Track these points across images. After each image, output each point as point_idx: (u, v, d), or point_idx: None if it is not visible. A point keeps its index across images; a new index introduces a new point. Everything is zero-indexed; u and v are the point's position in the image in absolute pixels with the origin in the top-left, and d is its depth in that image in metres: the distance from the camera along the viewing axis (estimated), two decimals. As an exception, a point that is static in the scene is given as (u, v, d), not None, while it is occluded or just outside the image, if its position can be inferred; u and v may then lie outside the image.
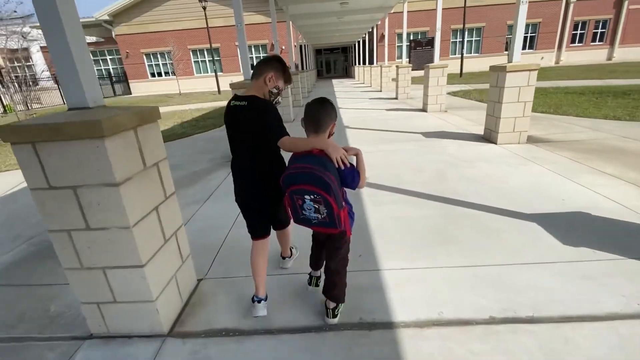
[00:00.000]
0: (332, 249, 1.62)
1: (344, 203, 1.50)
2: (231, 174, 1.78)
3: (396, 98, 11.12)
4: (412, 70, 19.41)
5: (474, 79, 17.79)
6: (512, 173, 3.57)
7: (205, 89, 25.55)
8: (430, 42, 17.97)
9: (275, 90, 1.68)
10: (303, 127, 1.54)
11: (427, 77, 7.63)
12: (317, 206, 1.39)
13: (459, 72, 22.42)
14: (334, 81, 26.07)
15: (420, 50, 18.33)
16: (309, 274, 1.97)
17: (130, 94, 27.46)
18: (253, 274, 1.81)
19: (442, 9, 25.64)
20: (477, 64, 25.10)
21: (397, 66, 10.77)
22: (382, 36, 26.30)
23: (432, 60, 17.19)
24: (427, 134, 5.56)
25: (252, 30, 25.71)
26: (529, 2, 4.63)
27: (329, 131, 1.51)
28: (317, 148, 1.44)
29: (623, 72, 14.99)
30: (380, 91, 14.18)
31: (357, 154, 1.50)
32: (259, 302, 1.78)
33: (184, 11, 25.58)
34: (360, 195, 3.26)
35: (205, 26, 25.72)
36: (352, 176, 1.45)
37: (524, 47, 25.38)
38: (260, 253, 1.81)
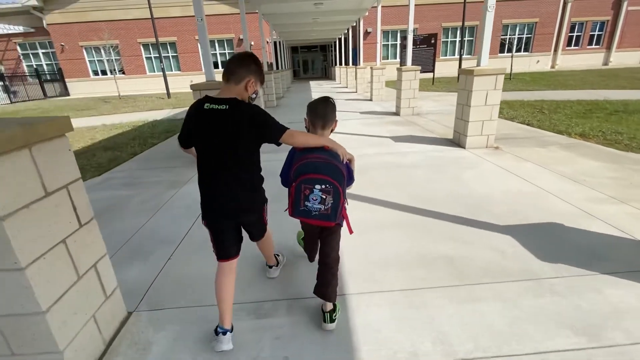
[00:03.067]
0: (328, 238, 1.66)
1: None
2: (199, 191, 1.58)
3: (397, 114, 7.93)
4: (404, 73, 16.56)
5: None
6: None
7: (158, 90, 21.47)
8: (427, 40, 15.01)
9: (254, 96, 1.58)
10: (307, 126, 1.67)
11: (468, 90, 4.46)
12: (324, 197, 1.44)
13: (448, 76, 19.88)
14: (312, 83, 22.76)
15: (414, 49, 15.32)
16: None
17: (68, 95, 22.95)
18: (218, 300, 1.57)
19: (433, 4, 22.32)
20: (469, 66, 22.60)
21: (398, 68, 7.60)
22: (367, 33, 23.33)
23: (429, 62, 14.00)
24: (534, 242, 2.30)
25: (215, 23, 21.94)
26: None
27: (332, 128, 1.66)
28: (327, 145, 1.53)
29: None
30: (371, 100, 11.00)
31: (351, 159, 1.61)
32: (224, 334, 1.52)
33: (131, -3, 21.41)
34: None
35: (159, 16, 21.75)
36: (351, 173, 1.60)
37: (517, 50, 23.12)
38: (228, 275, 1.60)
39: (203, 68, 4.00)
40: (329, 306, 1.64)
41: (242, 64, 1.49)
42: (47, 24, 21.84)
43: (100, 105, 14.34)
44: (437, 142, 5.10)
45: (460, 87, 4.69)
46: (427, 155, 4.42)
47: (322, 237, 1.69)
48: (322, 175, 1.43)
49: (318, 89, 17.66)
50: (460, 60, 16.77)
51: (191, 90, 4.27)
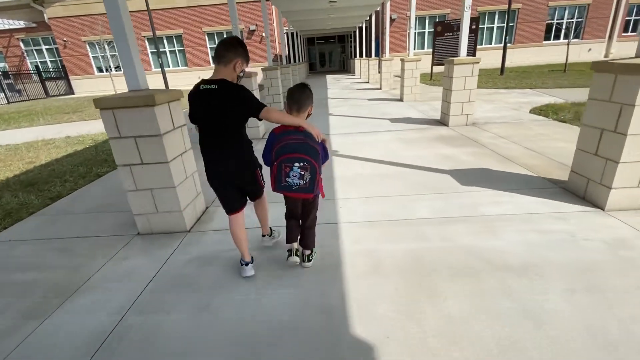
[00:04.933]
0: (309, 210, 1.96)
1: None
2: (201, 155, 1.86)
3: (443, 123, 5.78)
4: (436, 64, 14.15)
5: (521, 77, 12.46)
6: None
7: (163, 87, 19.93)
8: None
9: (241, 74, 1.79)
10: (286, 108, 1.84)
11: (623, 103, 2.31)
12: (303, 173, 1.65)
13: (486, 67, 17.17)
14: (329, 78, 20.60)
15: (449, 36, 12.93)
16: (288, 249, 2.06)
17: (73, 93, 21.79)
18: (236, 244, 1.99)
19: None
20: (509, 56, 19.76)
21: (448, 61, 5.44)
22: (392, 20, 20.85)
23: (469, 51, 11.54)
24: None
25: (221, 12, 20.06)
26: None
27: (307, 112, 1.83)
28: (302, 126, 1.72)
29: None
30: (401, 100, 8.83)
31: (325, 139, 1.78)
32: (247, 265, 1.99)
33: (133, -14, 19.76)
34: None
35: (163, 7, 20.09)
36: (326, 151, 1.81)
37: (565, 37, 20.14)
38: (239, 225, 1.96)
39: (123, 70, 2.42)
40: (307, 251, 2.04)
41: (231, 48, 1.70)
42: (49, 18, 20.62)
43: (90, 106, 12.79)
44: (539, 188, 2.96)
45: (598, 96, 2.53)
46: (542, 229, 2.30)
47: (303, 207, 1.95)
48: (300, 154, 1.63)
49: (335, 85, 15.51)
50: (504, 49, 14.19)
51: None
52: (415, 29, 20.68)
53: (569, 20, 20.40)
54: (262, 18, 8.81)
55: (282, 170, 1.65)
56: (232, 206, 1.91)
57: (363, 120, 6.59)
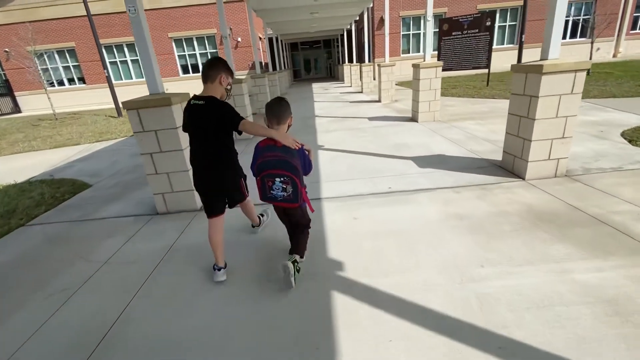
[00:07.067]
0: (295, 220, 2.07)
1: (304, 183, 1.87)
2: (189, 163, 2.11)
3: (511, 171, 3.42)
4: (444, 69, 11.91)
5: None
6: None
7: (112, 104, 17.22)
8: (478, 23, 10.47)
9: (229, 87, 2.03)
10: (266, 123, 1.88)
11: None
12: (284, 186, 1.76)
13: (498, 72, 15.18)
14: (315, 86, 18.24)
15: (458, 36, 10.74)
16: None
17: (19, 112, 18.84)
18: (212, 247, 2.12)
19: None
20: (513, 58, 17.84)
21: (528, 67, 3.11)
22: (382, 21, 18.74)
23: (483, 53, 9.73)
24: None
25: (191, 15, 17.56)
26: None
27: (287, 123, 1.89)
28: (274, 138, 1.77)
29: None
30: (414, 120, 6.49)
31: (309, 150, 1.88)
32: (219, 270, 2.10)
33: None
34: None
35: (122, 10, 17.49)
36: (309, 163, 1.89)
37: (572, 36, 18.18)
38: (217, 229, 2.11)
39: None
40: (296, 255, 2.01)
41: (212, 66, 1.94)
42: (-12, 26, 17.76)
43: (19, 132, 10.08)
44: None
45: None
46: None
47: (290, 216, 2.07)
48: (279, 170, 1.73)
49: (323, 96, 13.14)
50: (520, 49, 12.13)
51: None
52: (409, 31, 18.58)
53: (575, 17, 18.67)
54: (219, 17, 6.39)
55: (265, 184, 1.78)
56: (213, 211, 2.10)
57: (372, 162, 4.19)
